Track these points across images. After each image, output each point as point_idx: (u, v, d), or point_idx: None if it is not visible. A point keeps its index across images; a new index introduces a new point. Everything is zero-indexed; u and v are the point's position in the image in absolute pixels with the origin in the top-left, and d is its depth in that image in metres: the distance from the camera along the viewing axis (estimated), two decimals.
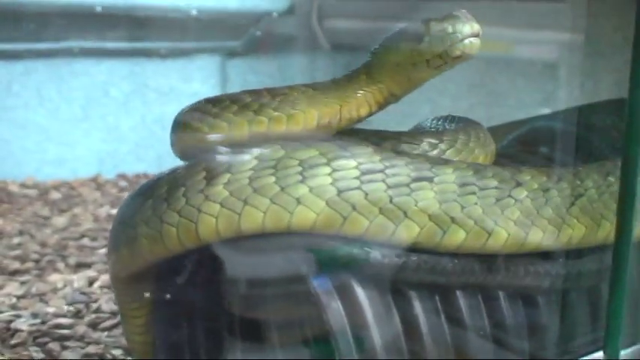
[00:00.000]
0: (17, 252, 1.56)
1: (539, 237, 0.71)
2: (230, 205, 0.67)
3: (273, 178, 0.67)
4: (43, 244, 1.60)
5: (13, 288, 1.37)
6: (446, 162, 0.72)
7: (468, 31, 0.67)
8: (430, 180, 0.70)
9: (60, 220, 1.78)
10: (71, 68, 1.99)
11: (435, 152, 0.79)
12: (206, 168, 0.69)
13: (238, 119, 0.71)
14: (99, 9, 1.70)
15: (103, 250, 1.55)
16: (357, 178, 0.68)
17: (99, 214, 1.84)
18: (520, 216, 0.71)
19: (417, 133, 0.84)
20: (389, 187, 0.68)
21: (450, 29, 0.67)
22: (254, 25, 1.97)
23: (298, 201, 0.66)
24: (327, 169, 0.67)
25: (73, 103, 2.00)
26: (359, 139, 0.83)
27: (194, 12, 1.81)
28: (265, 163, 0.68)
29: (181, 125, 0.76)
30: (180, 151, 0.80)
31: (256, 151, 0.69)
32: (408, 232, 0.68)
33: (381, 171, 0.68)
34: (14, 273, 1.44)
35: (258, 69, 2.06)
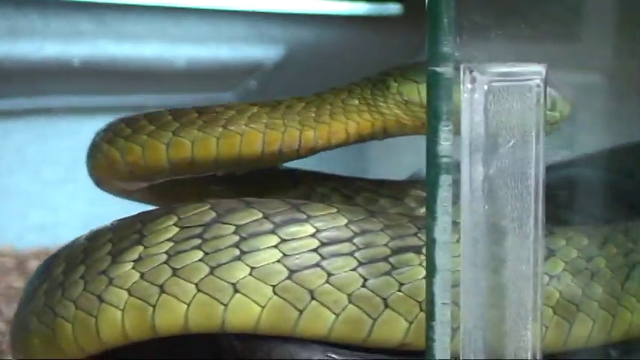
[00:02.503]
0: None
1: (587, 328, 0.49)
2: (141, 293, 0.46)
3: (199, 254, 0.46)
4: (10, 322, 1.41)
5: None
6: None
7: None
8: (417, 251, 0.47)
9: None
10: (54, 127, 1.85)
11: (423, 210, 0.64)
12: (113, 238, 0.49)
13: (153, 142, 0.54)
14: (76, 63, 1.57)
15: None
16: (315, 250, 0.46)
17: None
18: (560, 299, 0.49)
19: (402, 184, 0.61)
20: (361, 263, 0.46)
21: None
22: (247, 76, 1.82)
23: (235, 288, 0.46)
24: (274, 239, 0.47)
25: (57, 164, 1.85)
26: (325, 191, 0.60)
27: (182, 63, 1.67)
28: (189, 230, 0.47)
29: (94, 149, 0.58)
30: (98, 182, 0.62)
31: (177, 211, 0.48)
32: (389, 330, 0.46)
33: (349, 240, 0.47)
34: None
35: None
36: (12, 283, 1.63)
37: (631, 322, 0.50)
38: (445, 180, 0.41)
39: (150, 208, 0.75)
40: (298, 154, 0.54)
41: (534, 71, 0.42)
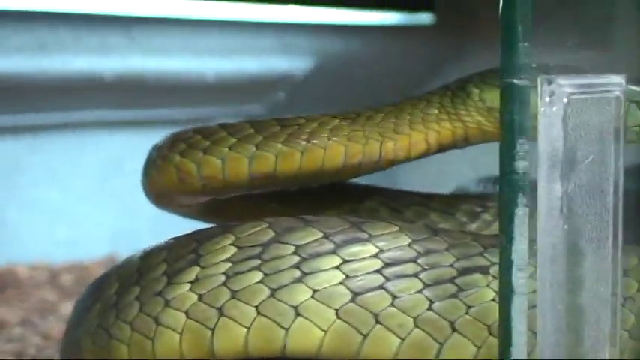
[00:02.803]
0: (15, 345, 1.37)
1: None
2: (199, 315, 0.45)
3: (258, 275, 0.45)
4: (46, 336, 1.40)
5: None
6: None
7: None
8: (485, 271, 0.45)
9: (68, 307, 1.58)
10: (83, 141, 1.85)
11: (475, 225, 0.57)
12: (168, 257, 0.48)
13: (236, 155, 0.53)
14: (106, 77, 1.56)
15: None
16: (378, 271, 0.45)
17: None
18: (636, 322, 0.47)
19: (452, 198, 0.61)
20: (426, 284, 0.45)
21: None
22: (275, 88, 1.81)
23: (296, 311, 0.44)
24: (336, 260, 0.45)
25: (87, 178, 1.85)
26: (373, 205, 0.58)
27: (210, 76, 1.66)
28: (247, 250, 0.46)
29: (160, 161, 0.56)
30: (156, 197, 0.59)
31: (234, 230, 0.47)
32: (457, 355, 0.44)
33: (413, 260, 0.45)
34: None
35: None
36: (45, 297, 1.63)
37: None
38: (522, 199, 0.39)
39: (176, 222, 0.73)
40: (378, 167, 0.53)
41: (614, 83, 0.40)
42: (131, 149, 1.88)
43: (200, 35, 1.63)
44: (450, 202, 0.56)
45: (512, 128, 0.38)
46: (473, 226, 0.57)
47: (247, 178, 0.51)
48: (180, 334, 0.45)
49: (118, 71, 1.56)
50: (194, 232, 0.50)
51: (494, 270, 0.45)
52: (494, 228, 0.58)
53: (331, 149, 0.51)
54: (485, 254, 0.46)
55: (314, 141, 0.51)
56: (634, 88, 0.48)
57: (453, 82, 0.54)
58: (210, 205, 0.59)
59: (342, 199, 0.59)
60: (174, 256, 0.47)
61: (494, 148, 0.48)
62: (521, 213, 0.38)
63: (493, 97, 0.50)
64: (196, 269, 0.46)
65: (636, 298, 0.48)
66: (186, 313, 0.45)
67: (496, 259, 0.45)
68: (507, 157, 0.39)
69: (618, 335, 0.42)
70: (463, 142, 0.53)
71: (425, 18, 1.63)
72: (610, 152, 0.41)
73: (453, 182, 0.78)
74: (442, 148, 0.53)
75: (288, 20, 1.63)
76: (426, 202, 0.56)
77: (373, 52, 1.73)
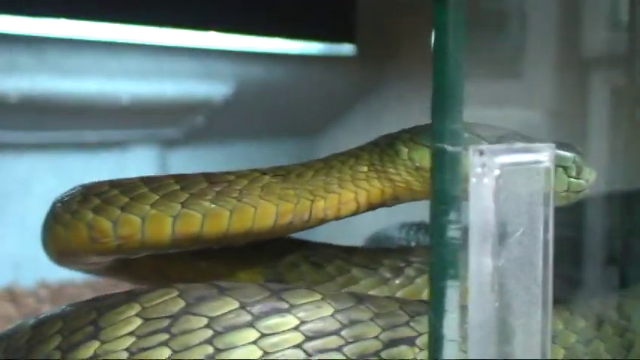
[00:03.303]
0: None
1: None
2: None
3: (166, 352, 0.40)
4: None
5: None
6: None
7: None
8: (411, 343, 0.43)
9: None
10: None
11: (398, 281, 0.55)
12: (63, 329, 0.42)
13: (158, 214, 0.48)
14: (13, 98, 1.46)
15: None
16: (299, 346, 0.41)
17: None
18: None
19: (374, 252, 0.58)
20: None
21: None
22: (194, 113, 1.75)
23: None
24: (253, 334, 0.41)
25: None
26: (294, 259, 0.55)
27: (125, 99, 1.58)
28: (154, 322, 0.41)
29: (68, 217, 0.49)
30: (59, 255, 0.52)
31: (140, 299, 0.42)
32: None
33: (337, 333, 0.42)
34: None
35: (203, 159, 1.82)
36: None
37: None
38: (453, 271, 0.36)
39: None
40: (307, 225, 0.49)
41: (543, 151, 0.38)
42: (38, 172, 1.76)
43: (116, 58, 1.55)
44: (373, 257, 0.53)
45: (443, 197, 0.35)
46: (396, 282, 0.54)
47: (170, 238, 0.46)
48: None
49: (25, 92, 1.46)
50: (94, 300, 0.44)
51: (420, 341, 0.42)
52: (418, 282, 0.55)
53: (262, 208, 0.46)
54: (411, 323, 0.43)
55: (245, 200, 0.46)
56: (561, 153, 0.46)
57: (382, 138, 0.51)
58: (119, 262, 0.53)
59: (261, 253, 0.55)
60: (70, 328, 0.41)
61: None
62: (452, 286, 0.36)
63: (422, 157, 0.47)
64: (95, 344, 0.40)
65: None
66: None
67: (422, 329, 0.43)
68: (438, 227, 0.36)
69: None
70: (393, 201, 0.50)
71: (346, 49, 1.62)
72: (540, 223, 0.39)
73: (373, 227, 0.75)
74: (372, 207, 0.50)
75: (210, 46, 1.58)
76: (347, 256, 0.53)
77: (294, 81, 1.70)
